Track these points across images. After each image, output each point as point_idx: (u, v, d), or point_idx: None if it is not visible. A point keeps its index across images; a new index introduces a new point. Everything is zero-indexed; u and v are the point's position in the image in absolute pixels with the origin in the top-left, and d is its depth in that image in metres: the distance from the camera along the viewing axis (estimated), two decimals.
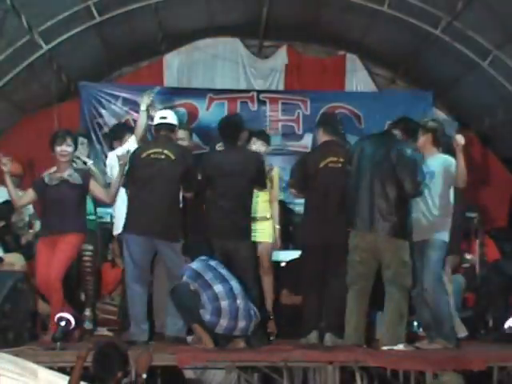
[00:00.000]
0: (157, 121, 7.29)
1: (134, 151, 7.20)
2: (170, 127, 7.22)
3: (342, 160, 7.06)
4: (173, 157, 7.03)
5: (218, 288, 6.46)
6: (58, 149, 7.01)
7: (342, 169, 7.03)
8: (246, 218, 7.15)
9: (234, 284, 6.55)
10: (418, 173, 6.68)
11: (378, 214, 6.64)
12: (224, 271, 6.62)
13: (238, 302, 6.46)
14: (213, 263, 6.66)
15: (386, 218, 6.63)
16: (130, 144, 7.49)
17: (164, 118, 7.27)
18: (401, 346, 6.56)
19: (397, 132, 6.90)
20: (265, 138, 7.88)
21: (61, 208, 6.94)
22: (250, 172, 7.13)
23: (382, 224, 6.63)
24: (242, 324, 6.45)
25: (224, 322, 6.41)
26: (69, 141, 7.03)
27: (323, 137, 7.28)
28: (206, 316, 6.42)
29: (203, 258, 6.70)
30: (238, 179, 7.06)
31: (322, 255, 6.99)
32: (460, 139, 6.90)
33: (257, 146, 7.65)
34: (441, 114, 10.95)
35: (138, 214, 6.95)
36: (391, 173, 6.67)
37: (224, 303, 6.41)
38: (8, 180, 6.97)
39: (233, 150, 7.26)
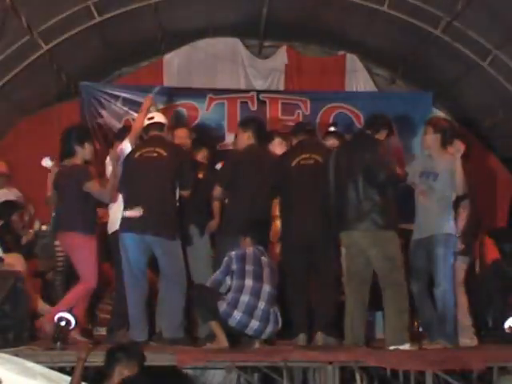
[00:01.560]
0: (145, 123, 7.33)
1: (128, 154, 7.21)
2: (159, 126, 7.25)
3: (314, 156, 7.12)
4: (164, 153, 7.03)
5: (249, 283, 6.50)
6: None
7: (314, 165, 7.08)
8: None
9: (266, 287, 6.57)
10: (388, 161, 6.77)
11: (358, 211, 6.68)
12: (267, 272, 6.64)
13: (260, 303, 6.49)
14: (264, 259, 6.69)
15: (366, 214, 6.66)
16: (125, 144, 7.39)
17: (151, 118, 7.31)
18: (407, 346, 6.55)
19: (368, 131, 6.98)
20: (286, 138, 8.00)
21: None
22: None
23: (360, 220, 6.67)
24: (255, 324, 6.46)
25: (238, 315, 6.43)
26: None
27: (295, 140, 7.45)
28: (223, 305, 6.45)
29: (261, 249, 6.75)
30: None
31: (302, 254, 7.02)
32: (459, 146, 6.93)
33: (282, 147, 7.75)
34: (441, 114, 10.94)
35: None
36: (365, 168, 6.71)
37: (245, 297, 6.45)
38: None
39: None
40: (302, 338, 6.89)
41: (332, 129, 8.51)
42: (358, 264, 6.77)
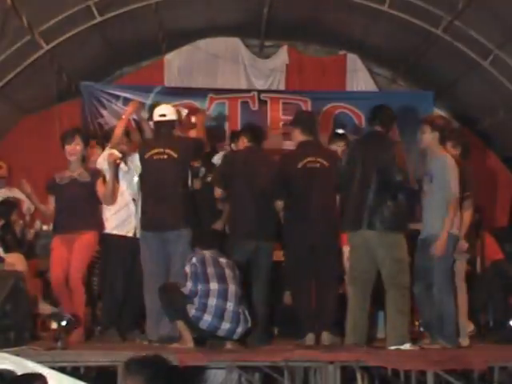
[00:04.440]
0: (156, 118, 7.28)
1: (138, 152, 7.21)
2: (170, 124, 7.23)
3: (319, 159, 7.09)
4: (175, 155, 7.05)
5: (214, 286, 6.47)
6: (67, 148, 7.04)
7: (320, 168, 7.06)
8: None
9: (232, 287, 6.54)
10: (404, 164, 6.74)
11: (366, 211, 6.65)
12: (228, 272, 6.62)
13: (229, 304, 6.47)
14: (222, 260, 6.69)
15: (374, 214, 6.63)
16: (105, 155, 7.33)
17: (163, 115, 7.25)
18: (407, 346, 6.55)
19: (378, 128, 6.93)
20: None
21: (73, 207, 7.01)
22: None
23: (371, 220, 6.64)
24: (226, 326, 6.45)
25: (208, 318, 6.41)
26: (77, 139, 7.05)
27: (299, 137, 7.28)
28: (192, 310, 6.43)
29: (215, 252, 6.74)
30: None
31: (305, 255, 7.03)
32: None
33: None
34: (441, 114, 10.93)
35: (150, 214, 7.02)
36: (380, 168, 6.68)
37: (212, 300, 6.42)
38: (33, 199, 7.24)
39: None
40: (310, 338, 6.89)
41: (340, 131, 8.44)
42: (364, 264, 6.73)
